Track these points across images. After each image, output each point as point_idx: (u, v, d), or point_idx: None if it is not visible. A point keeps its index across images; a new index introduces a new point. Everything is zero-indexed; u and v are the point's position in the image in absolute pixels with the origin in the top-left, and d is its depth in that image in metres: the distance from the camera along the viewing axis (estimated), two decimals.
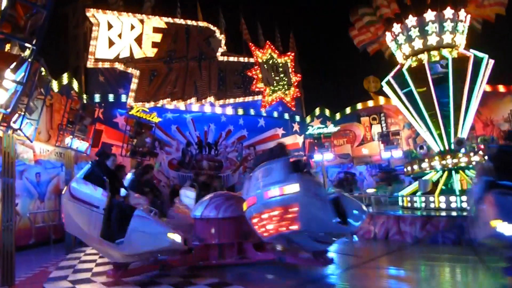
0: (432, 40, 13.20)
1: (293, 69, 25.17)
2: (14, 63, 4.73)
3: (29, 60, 5.36)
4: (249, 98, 23.01)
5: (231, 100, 22.43)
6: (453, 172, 12.53)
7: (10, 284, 6.78)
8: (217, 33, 21.99)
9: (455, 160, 12.42)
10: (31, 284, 7.09)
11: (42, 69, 7.34)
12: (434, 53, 13.45)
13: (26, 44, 5.22)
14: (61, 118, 11.51)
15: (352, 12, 15.68)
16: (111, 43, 18.53)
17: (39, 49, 5.37)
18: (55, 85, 14.13)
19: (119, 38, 18.77)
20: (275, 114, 23.97)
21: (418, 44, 13.41)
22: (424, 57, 13.56)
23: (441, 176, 12.62)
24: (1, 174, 6.60)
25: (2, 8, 4.79)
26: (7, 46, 5.03)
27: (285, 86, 24.44)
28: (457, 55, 13.35)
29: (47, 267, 8.54)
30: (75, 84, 16.05)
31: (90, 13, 18.22)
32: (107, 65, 18.46)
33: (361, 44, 16.11)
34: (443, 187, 12.16)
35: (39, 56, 5.94)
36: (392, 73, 14.37)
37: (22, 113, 6.89)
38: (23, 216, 11.83)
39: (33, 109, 7.55)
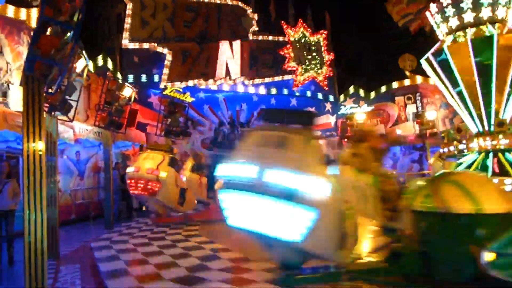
0: (485, 13, 12.36)
1: (326, 48, 24.67)
2: (57, 46, 4.89)
3: (69, 42, 5.50)
4: (281, 78, 22.82)
5: (263, 80, 22.32)
6: (491, 154, 12.06)
7: (56, 257, 7.15)
8: (249, 12, 21.77)
9: (495, 142, 11.93)
10: (74, 257, 7.46)
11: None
12: (481, 28, 12.64)
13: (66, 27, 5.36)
14: (98, 98, 11.83)
15: None
16: (144, 23, 18.71)
17: (79, 32, 5.51)
18: (91, 66, 14.46)
19: (152, 18, 18.92)
20: (308, 93, 23.71)
21: (469, 16, 12.56)
22: (468, 32, 12.82)
23: (477, 159, 12.17)
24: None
25: None
26: (48, 30, 5.18)
27: (318, 65, 24.04)
28: (507, 32, 12.53)
29: (88, 241, 8.96)
30: (111, 65, 16.38)
31: None
32: (140, 45, 18.69)
33: (402, 22, 15.50)
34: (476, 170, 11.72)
35: (78, 38, 6.10)
36: (432, 50, 13.74)
37: (63, 94, 7.15)
38: (64, 193, 12.37)
39: (73, 90, 7.81)
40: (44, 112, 5.86)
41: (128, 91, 11.89)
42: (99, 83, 13.91)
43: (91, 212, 12.70)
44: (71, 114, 8.28)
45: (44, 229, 4.53)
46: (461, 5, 12.41)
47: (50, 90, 6.10)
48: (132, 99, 12.36)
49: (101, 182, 13.51)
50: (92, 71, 14.58)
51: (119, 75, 17.00)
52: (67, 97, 7.56)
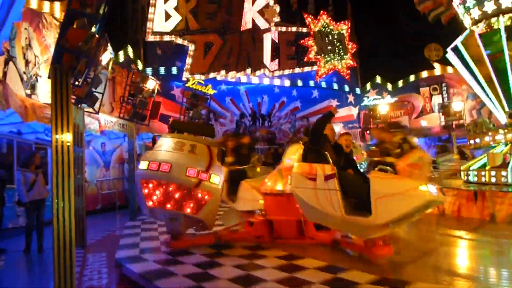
0: (507, 1, 12.03)
1: (349, 38, 24.27)
2: (84, 39, 4.98)
3: (96, 35, 5.59)
4: (303, 69, 22.66)
5: (285, 72, 22.21)
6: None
7: (83, 245, 7.35)
8: (271, 3, 21.63)
9: (510, 135, 11.56)
10: (101, 245, 7.65)
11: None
12: (508, 16, 12.29)
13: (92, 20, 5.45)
14: (123, 90, 12.02)
15: None
16: (167, 16, 18.87)
17: (105, 25, 5.60)
18: (117, 58, 14.69)
19: (175, 11, 19.04)
20: (330, 85, 23.45)
21: (490, 6, 12.28)
22: (496, 21, 12.46)
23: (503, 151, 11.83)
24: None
25: None
26: (75, 23, 5.27)
27: (340, 55, 23.70)
28: None
29: (114, 231, 9.17)
30: (135, 57, 16.59)
31: None
32: (165, 38, 18.86)
33: (432, 15, 15.18)
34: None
35: (103, 30, 6.20)
36: (459, 39, 13.40)
37: (90, 86, 7.30)
38: (90, 183, 12.67)
39: (99, 82, 7.96)
40: (71, 104, 5.99)
41: (151, 84, 12.05)
42: (123, 75, 14.13)
43: (117, 202, 12.96)
44: (96, 106, 8.46)
45: (72, 218, 4.64)
46: None
47: (76, 83, 6.23)
48: (156, 91, 12.51)
49: (125, 173, 13.76)
50: (117, 64, 14.81)
51: (141, 66, 17.21)
52: (93, 89, 7.73)
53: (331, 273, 4.74)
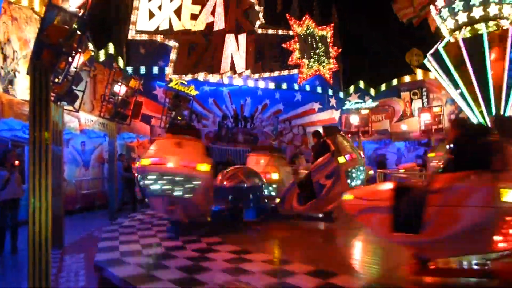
0: (477, 12, 12.47)
1: (332, 42, 24.50)
2: (65, 35, 4.87)
3: (77, 32, 5.49)
4: (286, 72, 22.73)
5: (268, 74, 22.24)
6: None
7: (60, 247, 7.17)
8: (256, 5, 21.64)
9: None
10: (79, 247, 7.47)
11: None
12: (479, 26, 12.74)
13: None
14: (104, 89, 11.83)
15: None
16: (151, 15, 18.68)
17: (87, 22, 5.50)
18: (98, 56, 14.47)
19: (159, 10, 18.87)
20: (313, 88, 23.60)
21: (462, 17, 12.73)
22: (481, 27, 12.83)
23: None
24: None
25: None
26: (56, 19, 5.16)
27: (323, 59, 23.88)
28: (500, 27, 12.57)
29: (93, 231, 8.99)
30: (117, 56, 16.36)
31: None
32: (147, 37, 18.66)
33: (406, 18, 15.56)
34: None
35: (85, 28, 6.09)
36: (441, 44, 13.73)
37: (70, 84, 7.15)
38: (69, 182, 12.42)
39: (79, 80, 7.82)
40: (51, 102, 5.86)
41: (133, 83, 11.89)
42: (105, 73, 13.90)
43: (96, 202, 12.73)
44: (77, 104, 8.30)
45: (49, 218, 4.51)
46: (471, 2, 12.46)
47: (56, 80, 6.10)
48: (137, 91, 12.36)
49: (105, 173, 13.55)
50: (99, 62, 14.58)
51: (122, 65, 16.98)
52: (73, 87, 7.57)
53: (322, 278, 4.64)
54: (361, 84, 23.95)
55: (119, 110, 11.39)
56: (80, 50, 6.86)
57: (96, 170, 13.89)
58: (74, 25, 5.35)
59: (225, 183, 8.04)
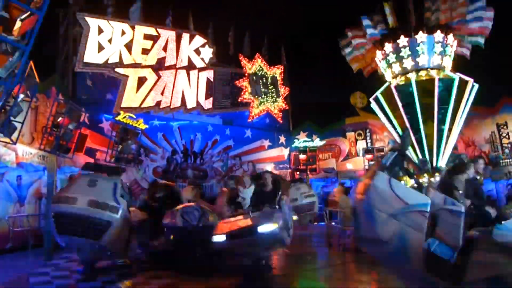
0: (422, 60, 13.59)
1: (282, 82, 25.30)
2: (4, 65, 4.69)
3: (19, 61, 5.30)
4: (236, 109, 23.04)
5: (219, 110, 22.43)
6: None
7: None
8: (208, 44, 22.02)
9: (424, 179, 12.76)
10: None
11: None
12: (422, 73, 13.84)
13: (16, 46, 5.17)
14: (46, 121, 11.34)
15: (342, 36, 16.18)
16: (100, 48, 18.37)
17: (29, 52, 5.33)
18: (41, 87, 13.95)
19: (109, 43, 18.63)
20: (263, 125, 24.03)
21: (408, 64, 13.79)
22: (412, 76, 13.91)
23: None
24: None
25: None
26: None
27: (273, 98, 24.53)
28: (443, 76, 13.74)
29: (25, 273, 8.33)
30: (62, 87, 15.87)
31: (81, 17, 18.04)
32: (95, 69, 18.31)
33: (358, 68, 16.62)
34: None
35: (28, 58, 5.89)
36: (379, 90, 14.69)
37: (8, 115, 6.81)
38: (1, 220, 11.56)
39: (19, 110, 7.46)
40: None
41: (78, 115, 11.52)
42: (48, 105, 13.40)
43: (30, 240, 11.89)
44: (14, 136, 7.89)
45: None
46: (401, 54, 13.64)
47: None
48: (83, 123, 11.97)
49: (42, 209, 12.76)
50: (42, 93, 14.05)
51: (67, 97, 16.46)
52: (11, 118, 7.21)
53: None
54: (309, 123, 24.73)
55: (62, 142, 10.92)
56: (21, 80, 6.61)
57: (32, 206, 13.03)
58: (16, 54, 5.17)
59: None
